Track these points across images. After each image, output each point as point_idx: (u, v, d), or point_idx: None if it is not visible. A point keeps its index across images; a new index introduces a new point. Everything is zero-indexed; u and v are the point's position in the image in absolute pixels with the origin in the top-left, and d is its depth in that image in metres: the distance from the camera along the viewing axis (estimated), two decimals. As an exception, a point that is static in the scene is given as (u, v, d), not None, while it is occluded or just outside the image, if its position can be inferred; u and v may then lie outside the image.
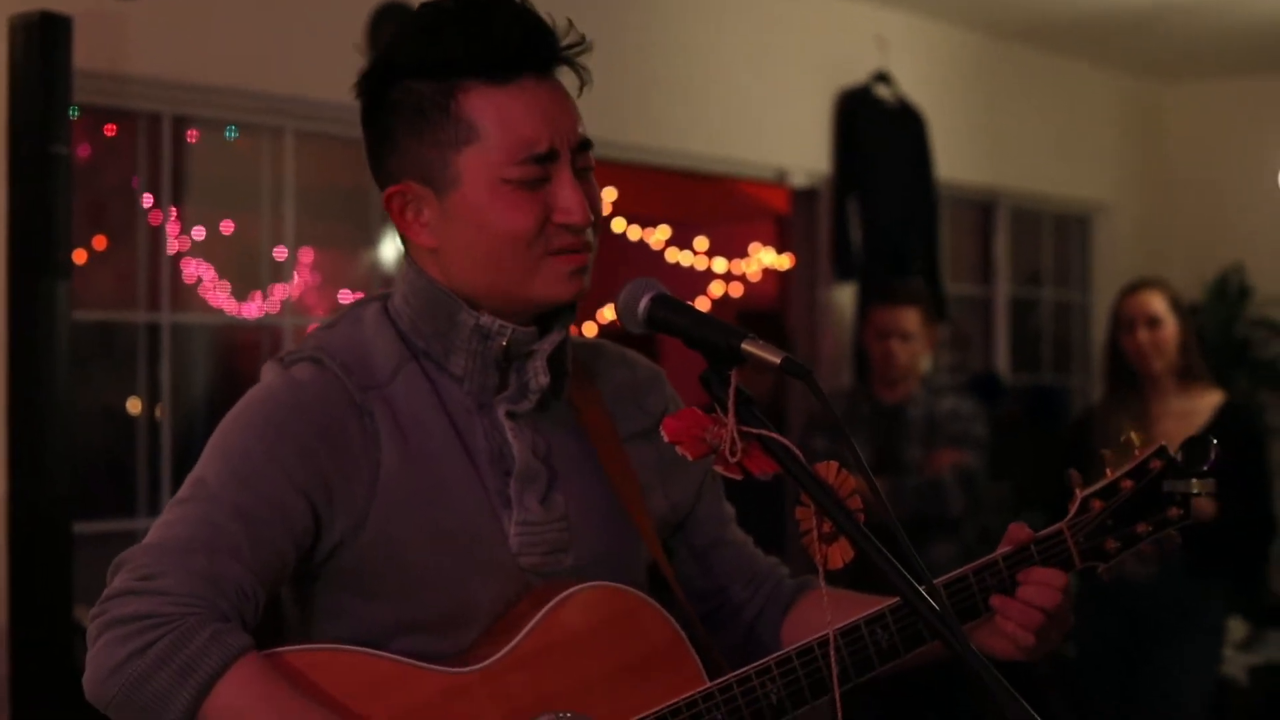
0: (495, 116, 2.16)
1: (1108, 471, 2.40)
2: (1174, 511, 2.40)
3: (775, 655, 2.24)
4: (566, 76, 2.26)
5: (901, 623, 2.27)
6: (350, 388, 2.18)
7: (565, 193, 2.19)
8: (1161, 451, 2.41)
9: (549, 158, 2.18)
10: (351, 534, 2.16)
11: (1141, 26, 8.65)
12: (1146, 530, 2.39)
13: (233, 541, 2.05)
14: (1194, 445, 2.41)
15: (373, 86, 2.24)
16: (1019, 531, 2.36)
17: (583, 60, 2.25)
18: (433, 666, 2.14)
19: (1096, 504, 2.38)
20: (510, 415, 2.26)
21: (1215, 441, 2.41)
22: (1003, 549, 2.35)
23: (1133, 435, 2.43)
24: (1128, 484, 2.39)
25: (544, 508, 2.26)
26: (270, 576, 2.10)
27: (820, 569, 2.06)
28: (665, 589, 2.38)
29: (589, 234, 2.24)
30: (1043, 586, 2.30)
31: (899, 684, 3.13)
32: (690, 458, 2.05)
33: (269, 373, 2.24)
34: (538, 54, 2.20)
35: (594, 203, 2.24)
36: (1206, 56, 9.40)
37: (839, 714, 2.17)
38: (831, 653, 2.21)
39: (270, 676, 2.01)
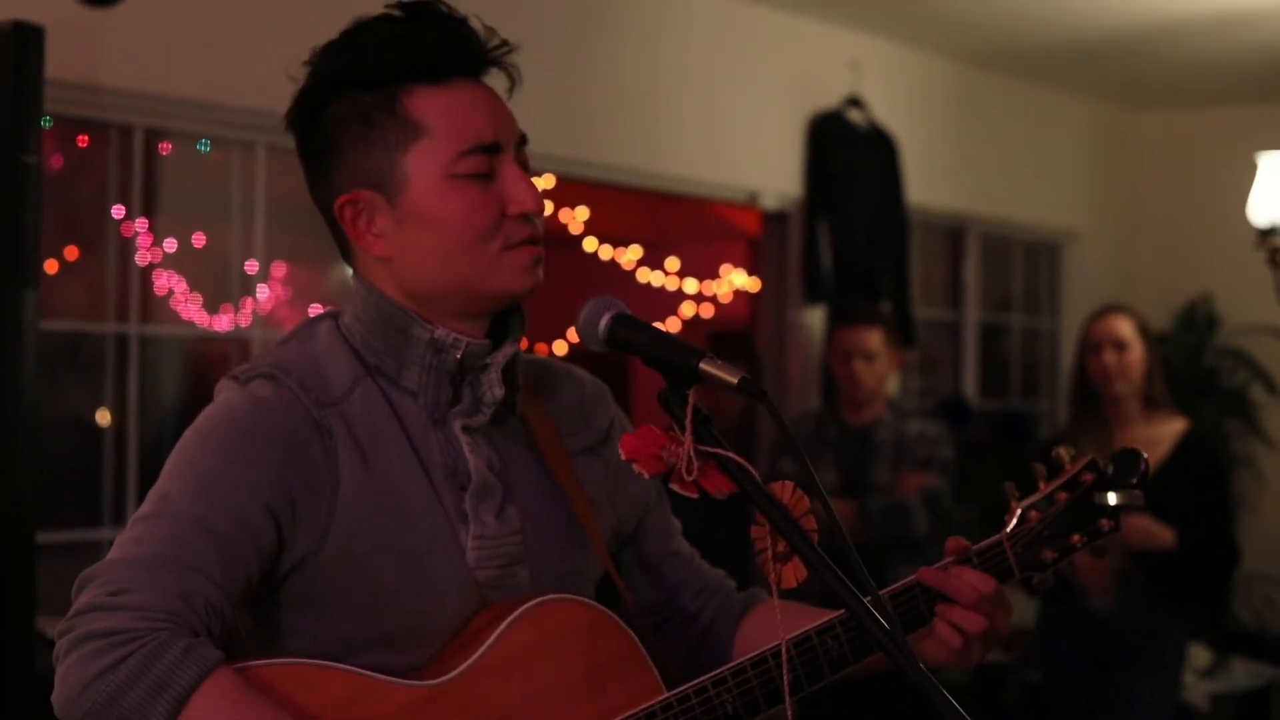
0: (440, 112, 2.20)
1: (1041, 485, 2.45)
2: (1104, 523, 2.44)
3: (730, 665, 2.26)
4: (497, 80, 2.30)
5: (851, 633, 2.30)
6: (309, 405, 2.18)
7: (514, 183, 2.23)
8: (1092, 464, 2.46)
9: (494, 149, 2.22)
10: (313, 552, 2.16)
11: (1113, 56, 8.70)
12: (1080, 541, 2.43)
13: (201, 558, 2.04)
14: (1124, 458, 2.45)
15: (310, 106, 2.27)
16: (958, 543, 2.40)
17: (511, 61, 2.28)
18: (398, 680, 2.16)
19: (1034, 515, 2.43)
20: (466, 429, 2.27)
21: (1144, 455, 2.46)
22: (945, 560, 2.39)
23: (1062, 450, 2.49)
24: (1062, 496, 2.44)
25: (499, 521, 2.27)
26: (236, 592, 2.09)
27: (774, 587, 2.08)
28: (616, 601, 2.40)
29: (539, 224, 2.26)
30: (967, 587, 2.33)
31: (852, 694, 3.15)
32: (647, 475, 2.07)
33: (226, 390, 2.23)
34: (470, 56, 2.24)
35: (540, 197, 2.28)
36: (1177, 87, 9.45)
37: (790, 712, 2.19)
38: (784, 662, 2.23)
39: (244, 690, 2.01)
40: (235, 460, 2.13)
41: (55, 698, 1.99)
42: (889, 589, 2.35)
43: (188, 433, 2.19)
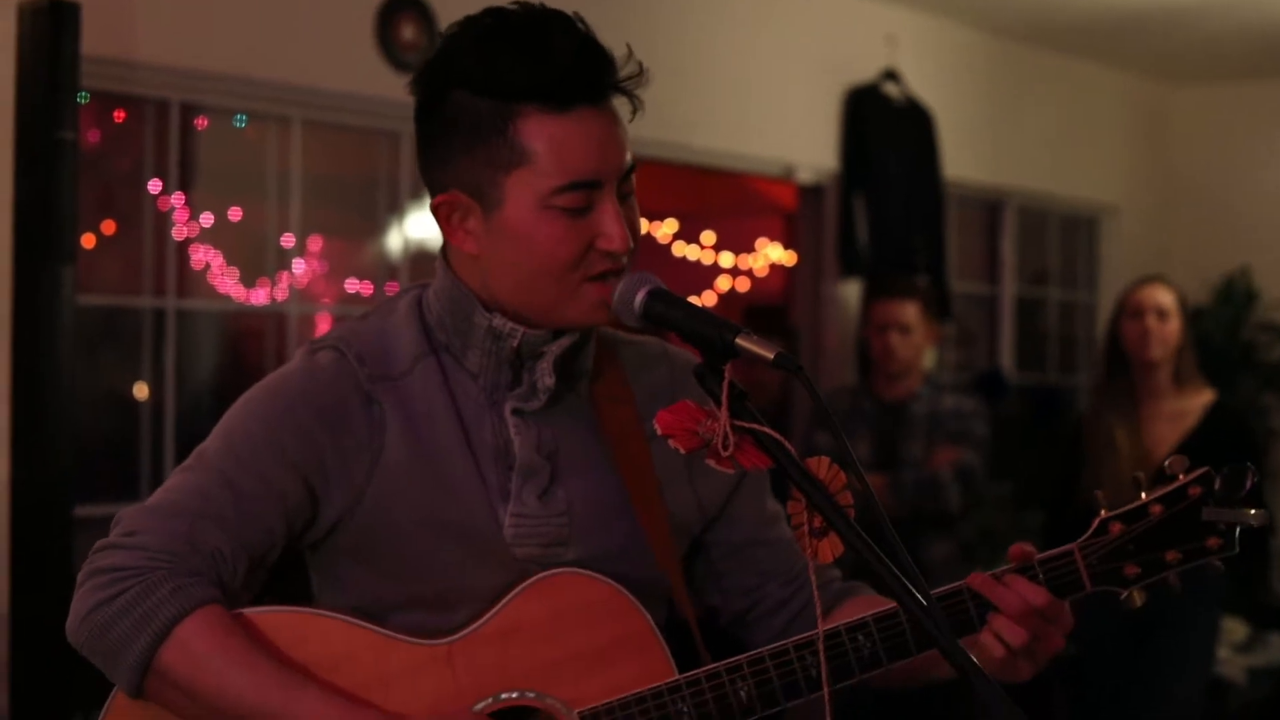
0: (548, 144, 2.17)
1: (1142, 495, 2.32)
2: (1214, 541, 2.31)
3: (748, 655, 2.25)
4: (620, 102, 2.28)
5: (885, 632, 2.27)
6: (361, 377, 2.26)
7: (608, 221, 2.21)
8: (1204, 478, 2.31)
9: (594, 185, 2.20)
10: (349, 512, 2.25)
11: (1151, 29, 8.65)
12: (1176, 559, 2.32)
13: (218, 509, 2.18)
14: (1232, 474, 2.30)
15: (429, 89, 2.26)
16: (1021, 550, 2.31)
17: (637, 89, 2.27)
18: (403, 638, 2.21)
19: (1116, 527, 2.31)
20: (516, 412, 2.30)
21: (1253, 467, 2.31)
22: (1004, 567, 2.30)
23: (1170, 463, 2.32)
24: (1157, 509, 2.31)
25: (542, 502, 2.29)
26: (255, 546, 2.21)
27: (810, 563, 2.07)
28: (683, 590, 2.39)
29: (625, 260, 2.25)
30: (1015, 596, 2.24)
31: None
32: (682, 450, 2.07)
33: (297, 357, 2.34)
34: (597, 84, 2.21)
35: (634, 226, 2.27)
36: (1215, 59, 9.40)
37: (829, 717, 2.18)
38: (821, 654, 2.22)
39: (229, 629, 2.13)
40: (268, 424, 2.25)
41: (67, 623, 2.18)
42: (936, 591, 2.26)
43: (243, 395, 2.32)
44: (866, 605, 2.33)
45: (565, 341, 2.30)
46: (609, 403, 2.40)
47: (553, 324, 2.27)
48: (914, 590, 1.89)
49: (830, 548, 2.05)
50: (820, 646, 2.22)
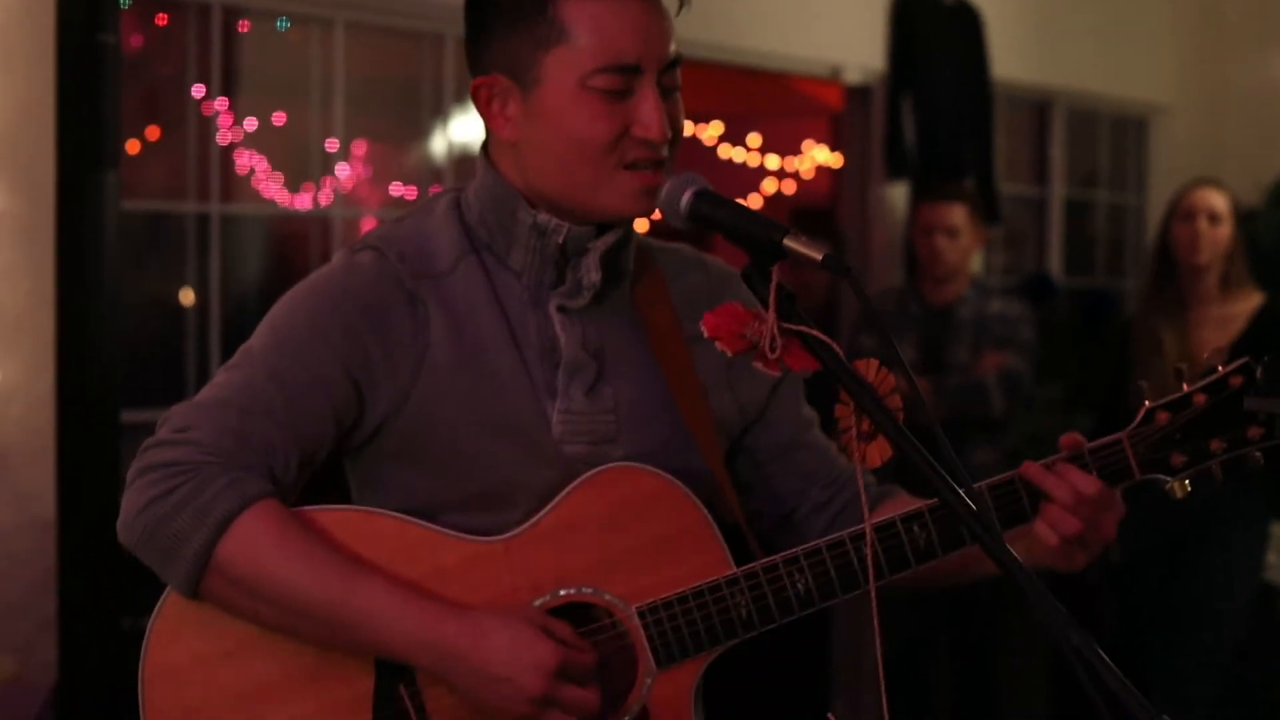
0: (589, 23, 2.20)
1: (1184, 385, 2.34)
2: (1255, 431, 2.32)
3: (805, 546, 2.26)
4: None
5: (940, 523, 2.27)
6: (403, 275, 2.26)
7: (646, 108, 2.22)
8: (1245, 368, 2.33)
9: (634, 70, 2.21)
10: (395, 411, 2.25)
11: (1204, -75, 8.53)
12: (1220, 448, 2.32)
13: (267, 403, 2.18)
14: (1274, 365, 2.32)
15: None
16: (1073, 439, 2.32)
17: None
18: (458, 534, 2.22)
19: (1162, 416, 2.32)
20: (562, 310, 2.31)
21: None
22: (1055, 456, 2.31)
23: (1212, 352, 2.36)
24: (1200, 399, 2.32)
25: (589, 399, 2.30)
26: (306, 441, 2.22)
27: (858, 466, 2.07)
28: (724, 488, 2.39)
29: (664, 151, 2.25)
30: (1066, 485, 2.25)
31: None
32: (729, 353, 2.07)
33: (336, 258, 2.34)
34: None
35: (675, 121, 2.27)
36: (1269, -43, 9.28)
37: (875, 611, 2.17)
38: (868, 547, 2.24)
39: (286, 522, 2.14)
40: (315, 319, 2.25)
41: (119, 522, 2.17)
42: (988, 481, 2.30)
43: (284, 296, 2.32)
44: (905, 507, 2.33)
45: (610, 238, 2.31)
46: (649, 305, 2.41)
47: (591, 214, 2.27)
48: (961, 493, 1.88)
49: (879, 451, 2.05)
50: (869, 541, 2.24)
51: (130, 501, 2.14)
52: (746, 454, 2.51)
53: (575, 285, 2.31)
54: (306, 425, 2.20)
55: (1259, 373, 2.32)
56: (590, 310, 2.33)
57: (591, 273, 2.30)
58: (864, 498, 2.15)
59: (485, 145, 2.37)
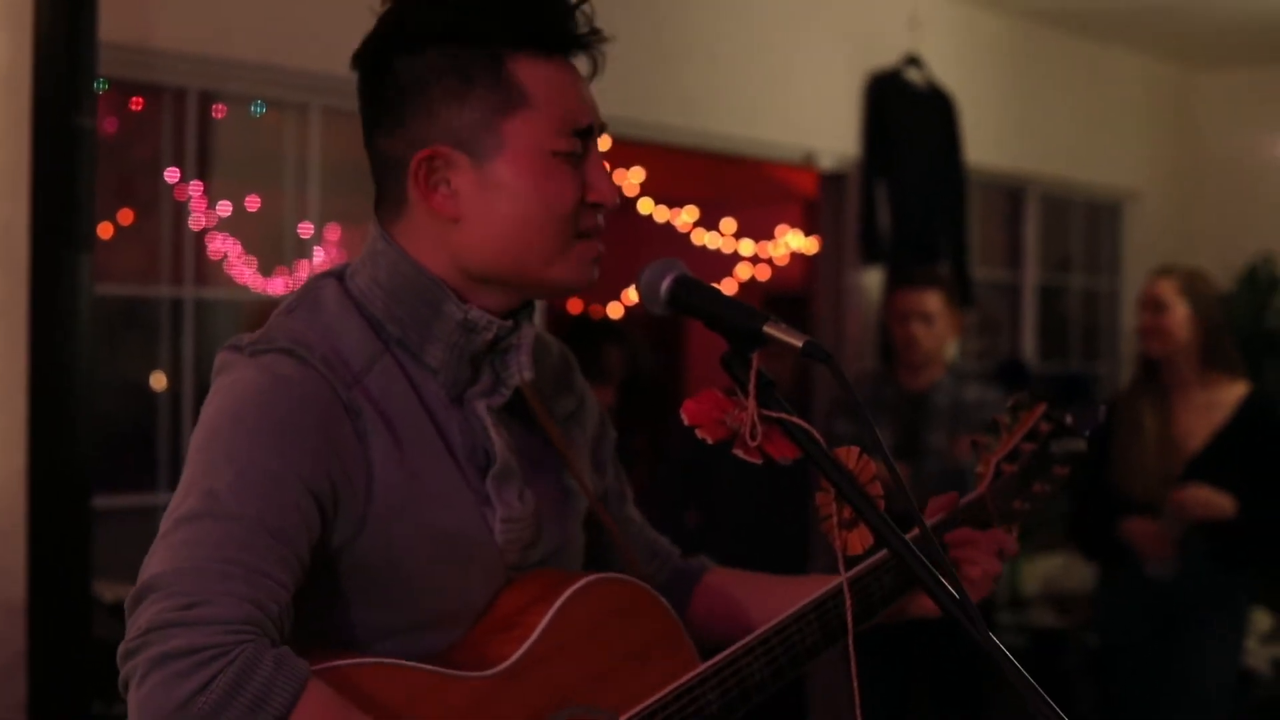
0: (544, 84, 2.15)
1: (1004, 436, 2.55)
2: (1059, 470, 2.55)
3: (757, 634, 2.29)
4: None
5: (859, 595, 2.35)
6: (335, 385, 2.08)
7: (598, 173, 2.19)
8: (1050, 414, 2.55)
9: (587, 133, 2.18)
10: (351, 539, 2.07)
11: (1174, 12, 8.61)
12: (1044, 490, 2.54)
13: (265, 560, 1.92)
14: (1084, 408, 2.56)
15: (388, 50, 2.19)
16: (946, 501, 2.50)
17: (600, 47, 2.23)
18: (459, 673, 2.11)
19: (1007, 468, 2.52)
20: (489, 410, 2.22)
21: (1103, 407, 2.59)
22: (931, 518, 2.48)
23: (1013, 401, 2.58)
24: (1027, 447, 2.53)
25: (521, 504, 2.22)
26: (297, 584, 1.98)
27: (840, 555, 2.05)
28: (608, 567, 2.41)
29: (602, 222, 2.23)
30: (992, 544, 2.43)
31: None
32: (710, 441, 2.04)
33: (238, 365, 2.10)
34: (576, 35, 2.18)
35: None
36: (1238, 44, 9.36)
37: (855, 688, 2.16)
38: (848, 604, 2.23)
39: (338, 703, 1.90)
40: (279, 450, 2.00)
41: None
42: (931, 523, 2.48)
43: (212, 415, 2.06)
44: (733, 579, 2.53)
45: (532, 331, 2.24)
46: (529, 391, 2.32)
47: (537, 285, 2.20)
48: (947, 584, 1.87)
49: (859, 539, 2.04)
50: (847, 593, 2.23)
51: (159, 698, 1.81)
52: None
53: (494, 382, 2.22)
54: (296, 568, 1.96)
55: (1069, 420, 2.56)
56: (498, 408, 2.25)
57: (524, 370, 2.21)
58: (846, 583, 2.13)
59: (387, 229, 2.22)
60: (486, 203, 2.15)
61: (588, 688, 2.20)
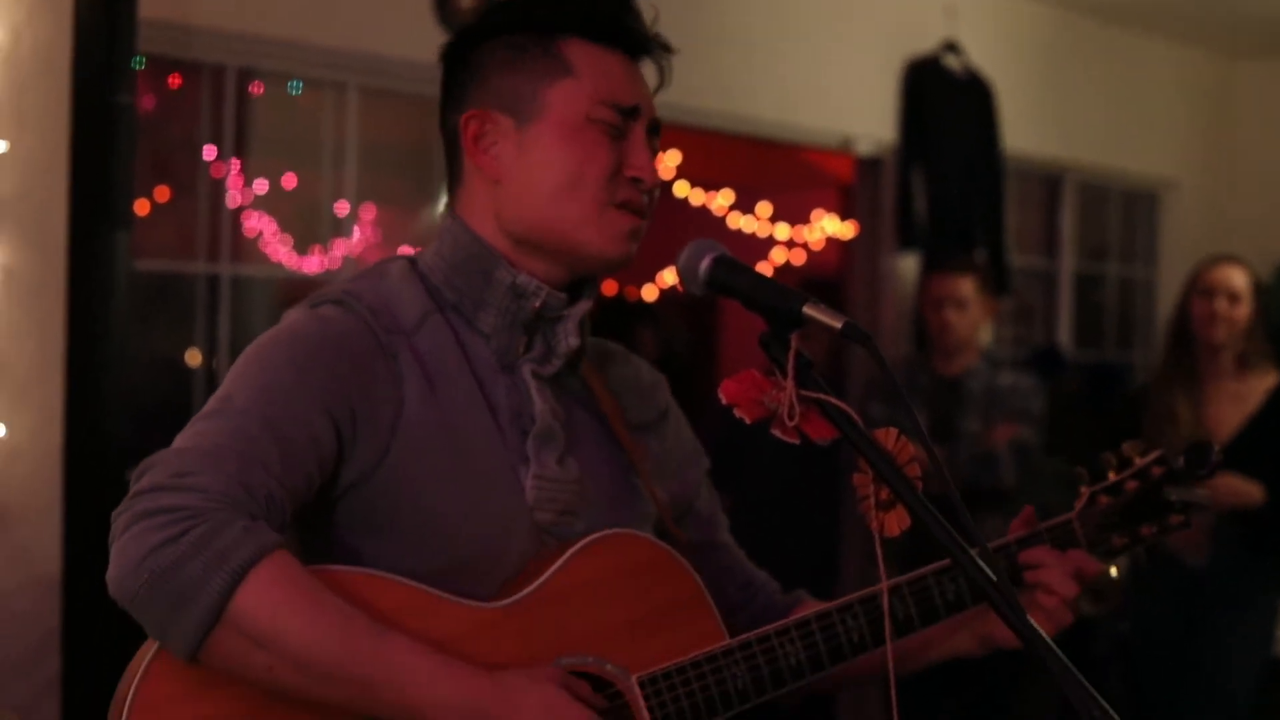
0: (591, 61, 2.28)
1: (1110, 474, 2.50)
2: (1175, 518, 2.50)
3: (794, 619, 2.30)
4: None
5: (918, 596, 2.37)
6: (376, 329, 2.20)
7: (639, 151, 2.28)
8: (1162, 459, 2.50)
9: (631, 113, 2.28)
10: (370, 469, 2.16)
11: (1212, 1, 8.56)
12: (1151, 533, 2.50)
13: (263, 453, 2.03)
14: (1196, 450, 2.46)
15: (466, 43, 2.35)
16: (1028, 517, 2.49)
17: (666, 60, 2.37)
18: (462, 600, 2.14)
19: (1103, 500, 2.49)
20: (535, 375, 2.29)
21: (1216, 447, 2.46)
22: (1014, 534, 2.47)
23: (1127, 446, 2.52)
24: (1133, 485, 2.49)
25: (560, 467, 2.28)
26: (297, 494, 2.08)
27: (876, 536, 2.05)
28: None
29: (647, 200, 2.30)
30: (1069, 563, 2.42)
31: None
32: (748, 420, 2.06)
33: (294, 313, 2.25)
34: (630, 32, 2.32)
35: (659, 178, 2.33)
36: (1277, 33, 9.30)
37: (891, 673, 2.16)
38: (885, 607, 2.25)
39: (302, 573, 1.98)
40: (299, 369, 2.13)
41: (110, 573, 1.96)
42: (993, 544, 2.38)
43: (249, 348, 2.20)
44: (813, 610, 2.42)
45: (586, 305, 2.32)
46: (599, 387, 2.42)
47: (572, 253, 2.27)
48: (983, 565, 1.86)
49: (897, 521, 2.03)
50: (885, 597, 2.23)
51: (128, 548, 1.94)
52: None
53: (546, 351, 2.31)
54: (298, 477, 2.07)
55: (1181, 461, 2.47)
56: (552, 382, 2.33)
57: (570, 338, 2.30)
58: (881, 559, 2.12)
59: (451, 204, 2.37)
60: (524, 164, 2.26)
61: (592, 639, 2.21)
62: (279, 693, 2.00)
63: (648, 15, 2.35)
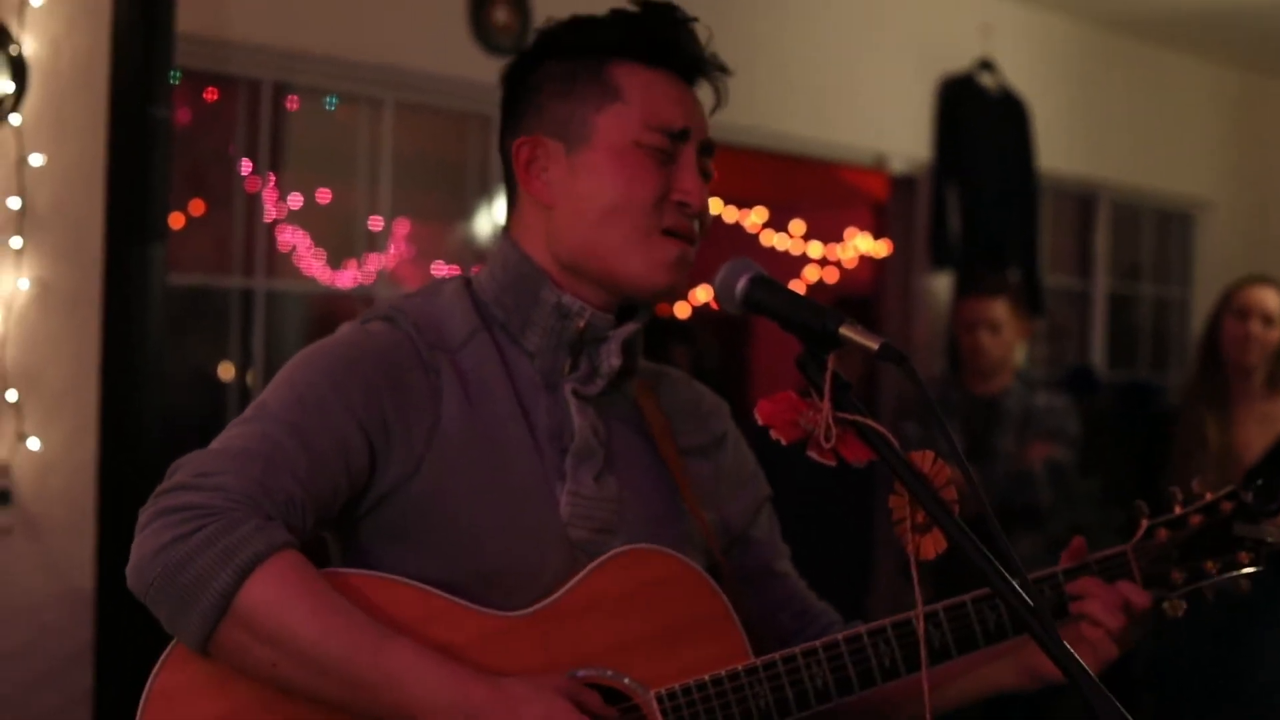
0: (642, 88, 2.29)
1: (1176, 508, 2.41)
2: (1244, 556, 2.40)
3: (822, 640, 2.26)
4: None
5: (955, 622, 2.31)
6: (419, 344, 2.25)
7: (687, 175, 2.29)
8: (1233, 494, 2.40)
9: (681, 136, 2.29)
10: (404, 481, 2.20)
11: (1248, 20, 8.54)
12: (1214, 569, 2.39)
13: (289, 458, 2.09)
14: (1264, 489, 2.39)
15: (525, 66, 2.37)
16: (1078, 548, 2.40)
17: (723, 81, 2.39)
18: (474, 607, 2.16)
19: (1163, 533, 2.40)
20: (575, 394, 2.31)
21: None
22: (1063, 564, 2.39)
23: (1196, 483, 2.44)
24: (1196, 519, 2.40)
25: (597, 485, 2.29)
26: (322, 501, 2.13)
27: (912, 559, 2.03)
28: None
29: (697, 226, 2.31)
30: (1116, 594, 2.34)
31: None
32: (784, 442, 2.04)
33: (344, 327, 2.32)
34: (681, 54, 2.34)
35: (707, 202, 2.33)
36: (1316, 52, 9.28)
37: (927, 697, 2.15)
38: (920, 634, 2.22)
39: (313, 573, 2.05)
40: (334, 380, 2.18)
41: (130, 566, 2.05)
42: (1034, 575, 2.35)
43: (294, 358, 2.26)
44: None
45: (631, 327, 2.33)
46: (648, 408, 2.42)
47: (617, 280, 2.28)
48: (1019, 589, 1.85)
49: (933, 544, 2.02)
50: (921, 624, 2.22)
51: (146, 543, 2.02)
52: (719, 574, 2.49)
53: (590, 371, 2.32)
54: (324, 484, 2.12)
55: (1249, 497, 2.39)
56: (597, 401, 2.34)
57: (612, 358, 2.31)
58: (917, 584, 2.11)
59: (507, 226, 2.39)
60: (574, 189, 2.28)
61: (612, 652, 2.20)
62: (285, 688, 2.06)
63: (702, 35, 2.36)
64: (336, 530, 2.27)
